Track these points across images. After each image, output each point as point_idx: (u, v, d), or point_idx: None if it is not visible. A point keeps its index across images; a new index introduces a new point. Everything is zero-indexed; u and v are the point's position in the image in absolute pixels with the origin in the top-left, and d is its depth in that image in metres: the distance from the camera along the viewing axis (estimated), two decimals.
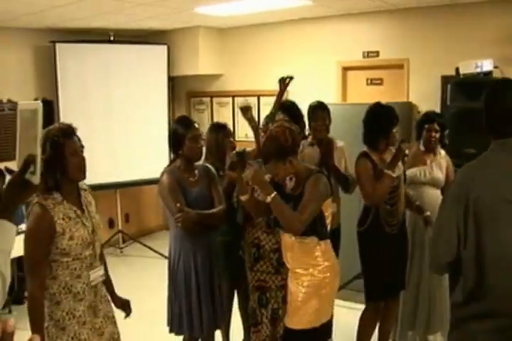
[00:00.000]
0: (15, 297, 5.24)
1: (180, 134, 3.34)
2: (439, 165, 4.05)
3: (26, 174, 1.57)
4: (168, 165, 3.51)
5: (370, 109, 3.76)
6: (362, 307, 3.87)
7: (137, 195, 8.03)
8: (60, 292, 2.55)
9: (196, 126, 3.42)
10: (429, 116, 4.18)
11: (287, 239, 3.09)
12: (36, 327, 2.48)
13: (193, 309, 3.32)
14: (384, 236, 3.64)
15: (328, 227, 3.41)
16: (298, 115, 4.09)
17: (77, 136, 2.61)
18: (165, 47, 7.33)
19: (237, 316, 4.13)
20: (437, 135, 4.08)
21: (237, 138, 6.16)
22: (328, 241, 3.14)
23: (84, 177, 2.64)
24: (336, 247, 4.05)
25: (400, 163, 3.66)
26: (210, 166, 3.58)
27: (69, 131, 2.56)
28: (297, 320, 3.08)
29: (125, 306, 2.99)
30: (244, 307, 3.93)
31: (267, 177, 3.08)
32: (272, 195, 2.92)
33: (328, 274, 3.06)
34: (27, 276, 2.52)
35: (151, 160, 6.72)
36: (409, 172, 3.98)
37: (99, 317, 2.70)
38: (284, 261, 3.18)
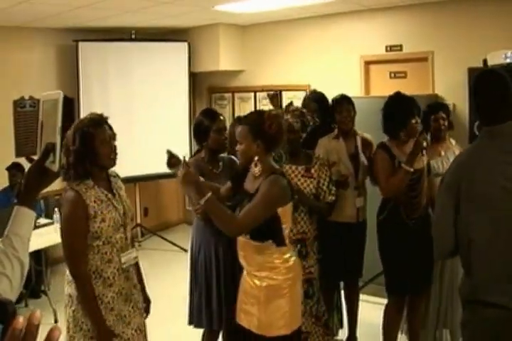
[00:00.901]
0: (31, 291, 5.28)
1: (206, 126, 3.37)
2: (453, 154, 3.97)
3: (46, 162, 1.59)
4: (192, 157, 3.51)
5: (389, 99, 3.73)
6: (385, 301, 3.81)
7: (156, 189, 8.07)
8: (90, 276, 2.57)
9: (221, 118, 3.45)
10: (433, 107, 4.18)
11: (240, 238, 2.85)
12: (93, 305, 2.54)
13: (212, 302, 3.29)
14: (403, 228, 3.55)
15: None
16: (327, 105, 4.12)
17: (109, 125, 2.69)
18: (186, 44, 7.37)
19: None
20: (446, 123, 4.03)
21: None
22: (286, 247, 2.86)
23: (114, 164, 2.71)
24: (361, 241, 4.01)
25: (423, 156, 3.60)
26: (235, 158, 3.56)
27: (99, 121, 2.63)
28: (266, 325, 2.79)
29: (146, 301, 2.98)
30: None
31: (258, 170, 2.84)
32: (207, 197, 2.66)
33: (291, 275, 2.83)
34: (68, 262, 2.58)
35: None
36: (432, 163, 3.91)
37: (129, 305, 2.70)
38: (239, 260, 2.93)
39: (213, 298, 3.30)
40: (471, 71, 5.36)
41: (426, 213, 3.64)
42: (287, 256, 2.84)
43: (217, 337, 3.53)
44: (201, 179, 2.87)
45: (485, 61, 5.08)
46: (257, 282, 2.79)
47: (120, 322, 2.66)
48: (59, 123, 1.59)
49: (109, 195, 2.67)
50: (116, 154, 2.68)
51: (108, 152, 2.63)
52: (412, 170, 3.45)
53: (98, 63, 6.98)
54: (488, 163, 2.15)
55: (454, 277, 3.64)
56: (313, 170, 3.51)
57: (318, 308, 3.55)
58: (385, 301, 3.81)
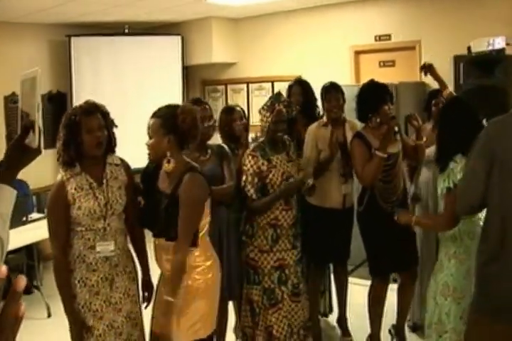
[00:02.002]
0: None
1: None
2: None
3: (26, 139, 1.57)
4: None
5: (362, 86, 3.81)
6: None
7: None
8: (74, 260, 2.63)
9: (206, 106, 3.47)
10: (433, 93, 4.33)
11: (163, 242, 2.71)
12: (62, 291, 2.61)
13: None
14: (381, 214, 3.62)
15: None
16: (310, 93, 4.26)
17: (103, 113, 2.69)
18: (179, 37, 7.42)
19: None
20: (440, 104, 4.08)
21: (251, 123, 6.21)
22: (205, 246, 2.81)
23: (99, 153, 2.69)
24: (348, 226, 4.12)
25: (397, 141, 3.68)
26: (224, 145, 3.63)
27: (89, 109, 2.63)
28: (184, 330, 2.71)
29: (148, 290, 2.97)
30: None
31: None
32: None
33: (210, 275, 2.78)
34: (50, 242, 2.68)
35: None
36: (428, 151, 3.99)
37: (118, 292, 2.70)
38: (157, 264, 2.83)
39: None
40: (457, 59, 5.46)
41: (404, 197, 3.75)
42: (208, 254, 2.82)
43: (227, 307, 3.66)
44: None
45: (469, 48, 5.18)
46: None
47: (110, 309, 2.66)
48: (38, 100, 1.55)
49: (94, 184, 2.67)
50: (102, 143, 2.66)
51: (93, 141, 2.61)
52: (385, 155, 3.50)
53: (91, 58, 7.06)
54: None
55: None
56: (291, 153, 3.60)
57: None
58: None
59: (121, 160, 2.87)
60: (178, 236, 2.62)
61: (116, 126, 2.83)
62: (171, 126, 2.67)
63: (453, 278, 3.03)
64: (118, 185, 2.76)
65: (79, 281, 2.63)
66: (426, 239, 4.04)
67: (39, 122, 1.55)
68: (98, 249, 2.65)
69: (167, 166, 2.73)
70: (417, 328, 4.20)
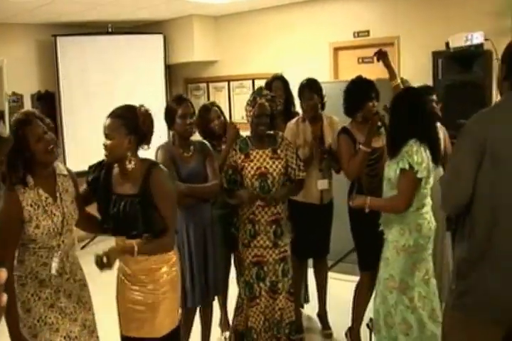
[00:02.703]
0: None
1: (172, 110, 3.43)
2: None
3: None
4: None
5: (350, 82, 3.86)
6: (357, 279, 3.94)
7: None
8: (26, 276, 2.53)
9: (188, 104, 3.47)
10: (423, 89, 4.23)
11: (126, 243, 2.72)
12: (9, 309, 2.41)
13: (185, 280, 3.39)
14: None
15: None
16: (289, 90, 4.34)
17: (40, 117, 2.55)
18: (161, 36, 7.47)
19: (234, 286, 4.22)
20: (435, 105, 4.07)
21: (233, 121, 6.26)
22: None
23: (54, 158, 2.60)
24: (327, 222, 4.15)
25: (382, 135, 3.71)
26: (206, 142, 3.65)
27: (26, 119, 2.49)
28: (159, 326, 2.80)
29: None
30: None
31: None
32: (135, 252, 2.59)
33: (177, 267, 2.90)
34: None
35: (151, 145, 6.81)
36: None
37: (71, 301, 2.65)
38: (123, 266, 2.83)
39: (186, 276, 3.40)
40: (435, 54, 5.50)
41: None
42: (175, 248, 2.89)
43: (194, 315, 3.65)
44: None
45: (447, 44, 5.21)
46: (148, 285, 2.76)
47: (66, 319, 2.61)
48: (5, 89, 1.56)
49: (49, 200, 2.55)
50: (53, 148, 2.55)
51: (44, 147, 2.50)
52: (369, 150, 3.56)
53: (77, 57, 7.11)
54: (506, 125, 2.17)
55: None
56: (279, 151, 3.60)
57: (291, 284, 3.68)
58: (353, 278, 3.96)
59: (68, 170, 2.77)
60: (168, 227, 2.67)
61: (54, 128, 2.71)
62: (133, 126, 2.67)
63: (400, 271, 3.10)
64: (70, 199, 2.68)
65: (32, 295, 2.53)
66: None
67: (7, 111, 1.52)
68: (53, 268, 2.56)
69: (129, 166, 2.70)
70: None
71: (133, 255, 2.61)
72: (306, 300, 4.61)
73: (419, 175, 3.04)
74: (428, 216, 3.19)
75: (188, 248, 3.43)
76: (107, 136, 2.68)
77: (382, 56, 4.06)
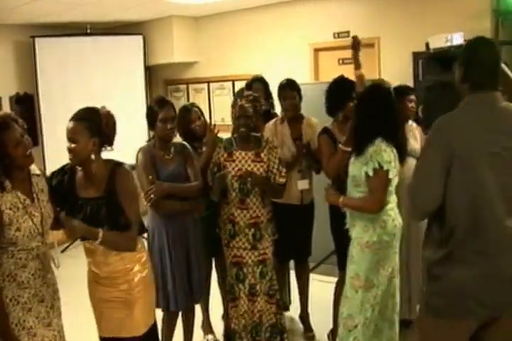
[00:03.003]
0: None
1: (154, 113, 3.39)
2: (414, 135, 4.09)
3: None
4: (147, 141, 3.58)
5: (332, 82, 3.86)
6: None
7: None
8: (3, 279, 2.50)
9: (170, 107, 3.43)
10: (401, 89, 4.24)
11: (89, 246, 2.77)
12: None
13: (167, 285, 3.37)
14: None
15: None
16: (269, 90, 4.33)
17: (15, 119, 2.50)
18: (140, 37, 7.44)
19: (217, 291, 4.21)
20: (413, 104, 4.08)
21: (213, 122, 6.24)
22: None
23: (32, 161, 2.57)
24: (309, 222, 4.13)
25: None
26: (186, 144, 3.62)
27: (3, 123, 2.45)
28: (138, 324, 2.84)
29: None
30: (223, 282, 3.99)
31: None
32: (100, 238, 2.57)
33: (149, 264, 2.96)
34: None
35: (130, 148, 6.74)
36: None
37: (45, 306, 2.62)
38: (94, 269, 2.82)
39: (168, 280, 3.38)
40: (416, 55, 5.52)
41: None
42: (140, 246, 2.89)
43: (176, 318, 3.62)
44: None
45: (427, 45, 5.23)
46: (122, 285, 2.77)
47: (41, 324, 2.59)
48: None
49: (27, 201, 2.52)
50: (31, 151, 2.52)
51: (23, 152, 2.47)
52: (349, 149, 3.51)
53: (56, 58, 7.05)
54: (480, 128, 2.21)
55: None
56: (262, 155, 3.59)
57: (270, 287, 3.66)
58: (335, 280, 3.93)
59: (40, 169, 2.73)
60: (131, 224, 2.68)
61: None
62: (97, 128, 2.66)
63: (365, 268, 3.09)
64: (46, 199, 2.66)
65: (11, 300, 2.50)
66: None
67: None
68: (31, 268, 2.55)
69: (94, 168, 2.69)
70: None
71: (96, 240, 2.58)
72: (289, 303, 4.58)
73: (390, 175, 3.05)
74: (393, 213, 3.19)
75: (169, 251, 3.40)
76: (70, 140, 2.65)
77: (356, 44, 4.12)
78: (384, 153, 3.02)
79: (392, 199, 3.21)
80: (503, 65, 2.60)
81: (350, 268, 3.18)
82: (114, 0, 5.90)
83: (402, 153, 3.22)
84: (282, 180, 3.65)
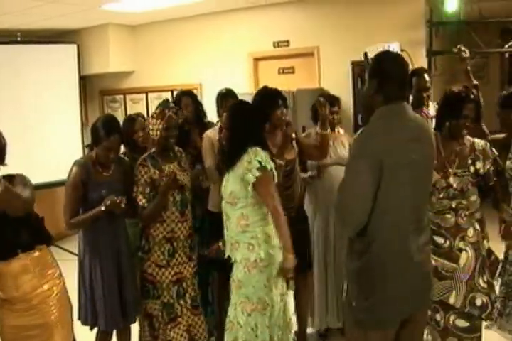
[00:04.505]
0: None
1: (100, 137, 3.24)
2: (342, 143, 4.08)
3: None
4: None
5: (255, 94, 3.74)
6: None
7: (51, 197, 7.74)
8: None
9: (117, 136, 3.26)
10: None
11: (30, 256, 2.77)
12: None
13: (97, 302, 3.25)
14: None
15: None
16: (200, 102, 4.25)
17: None
18: (74, 46, 7.20)
19: None
20: (335, 116, 4.09)
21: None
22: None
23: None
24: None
25: (294, 146, 3.65)
26: (125, 158, 3.52)
27: None
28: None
29: None
30: None
31: None
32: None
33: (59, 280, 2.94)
34: None
35: (64, 160, 6.48)
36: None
37: None
38: (2, 295, 2.72)
39: (98, 298, 3.25)
40: (354, 64, 5.58)
41: (300, 203, 3.77)
42: (50, 260, 2.90)
43: (110, 338, 3.47)
44: None
45: (366, 54, 5.28)
46: (37, 307, 2.71)
47: None
48: None
49: None
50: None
51: None
52: (283, 163, 3.48)
53: None
54: (397, 137, 2.27)
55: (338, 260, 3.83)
56: (183, 163, 3.53)
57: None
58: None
59: None
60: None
61: None
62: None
63: (255, 290, 3.00)
64: None
65: None
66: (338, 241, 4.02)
67: None
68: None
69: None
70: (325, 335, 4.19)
71: None
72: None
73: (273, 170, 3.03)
74: (272, 224, 3.11)
75: (101, 269, 3.26)
76: None
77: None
78: (262, 152, 2.98)
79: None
80: None
81: (239, 293, 3.05)
82: (46, 8, 5.70)
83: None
84: (205, 183, 3.66)
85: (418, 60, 5.38)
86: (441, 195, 3.04)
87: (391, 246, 2.29)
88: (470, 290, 3.05)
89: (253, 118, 3.10)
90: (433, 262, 2.77)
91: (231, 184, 3.02)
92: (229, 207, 3.06)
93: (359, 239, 2.33)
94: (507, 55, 6.85)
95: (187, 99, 4.20)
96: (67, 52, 7.13)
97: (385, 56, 2.41)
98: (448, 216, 3.08)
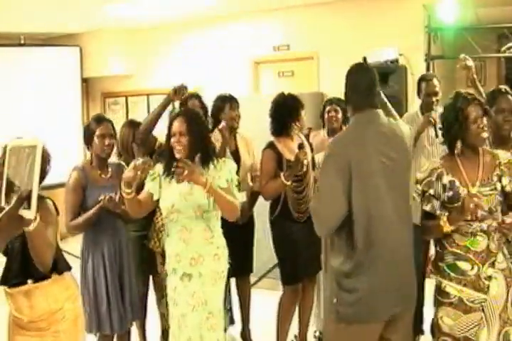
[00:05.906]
0: None
1: (91, 130, 3.30)
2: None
3: (20, 209, 1.59)
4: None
5: (275, 100, 3.77)
6: (281, 294, 3.85)
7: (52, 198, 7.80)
8: None
9: (108, 124, 3.33)
10: (329, 100, 4.43)
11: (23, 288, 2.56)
12: None
13: (101, 306, 3.26)
14: (292, 223, 3.64)
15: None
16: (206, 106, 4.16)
17: None
18: (77, 48, 7.27)
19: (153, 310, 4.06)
20: (338, 115, 4.25)
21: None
22: None
23: None
24: (249, 240, 4.10)
25: (308, 150, 3.66)
26: (123, 164, 3.52)
27: None
28: None
29: None
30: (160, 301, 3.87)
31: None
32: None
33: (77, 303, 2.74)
34: None
35: (66, 163, 6.54)
36: (316, 158, 4.02)
37: None
38: (17, 314, 2.60)
39: (103, 301, 3.26)
40: None
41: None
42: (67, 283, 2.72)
43: None
44: None
45: (365, 59, 5.32)
46: (49, 329, 2.57)
47: None
48: (37, 170, 1.61)
49: None
50: None
51: None
52: (288, 183, 3.49)
53: None
54: (369, 143, 2.43)
55: None
56: None
57: None
58: (277, 293, 3.90)
59: None
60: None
61: None
62: None
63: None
64: None
65: None
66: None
67: (35, 192, 1.59)
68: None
69: None
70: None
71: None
72: (231, 322, 4.46)
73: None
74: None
75: (104, 272, 3.29)
76: None
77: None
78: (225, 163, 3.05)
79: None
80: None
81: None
82: (47, 13, 5.76)
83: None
84: None
85: (417, 64, 5.44)
86: (468, 217, 2.54)
87: (375, 241, 2.39)
88: (503, 324, 2.62)
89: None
90: (456, 293, 2.57)
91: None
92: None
93: (341, 237, 2.46)
94: (503, 59, 6.90)
95: (195, 102, 4.22)
96: (70, 54, 7.20)
97: (350, 69, 2.59)
98: (480, 238, 2.60)
